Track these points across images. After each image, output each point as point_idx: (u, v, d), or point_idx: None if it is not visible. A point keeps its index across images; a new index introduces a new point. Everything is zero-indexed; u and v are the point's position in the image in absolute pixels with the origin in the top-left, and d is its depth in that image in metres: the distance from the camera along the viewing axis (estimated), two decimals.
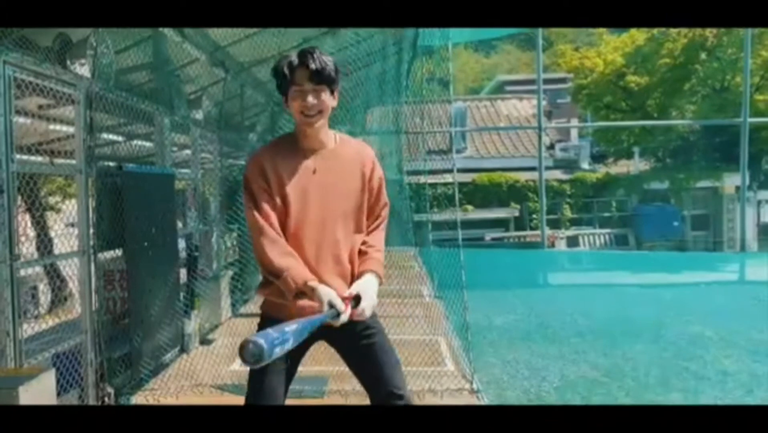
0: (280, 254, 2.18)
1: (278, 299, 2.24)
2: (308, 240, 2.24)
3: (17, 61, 3.39)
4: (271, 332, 1.85)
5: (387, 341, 2.35)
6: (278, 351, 1.83)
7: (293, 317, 2.06)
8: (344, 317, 2.10)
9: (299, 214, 2.24)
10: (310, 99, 2.20)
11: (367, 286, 2.23)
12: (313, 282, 2.15)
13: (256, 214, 2.23)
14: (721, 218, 18.70)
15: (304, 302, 2.15)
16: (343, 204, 2.29)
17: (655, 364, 6.59)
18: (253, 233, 2.27)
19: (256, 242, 2.24)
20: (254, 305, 7.93)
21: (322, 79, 2.21)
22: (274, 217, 2.23)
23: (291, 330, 1.90)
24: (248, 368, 2.19)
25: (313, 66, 2.19)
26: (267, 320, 2.28)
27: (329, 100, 2.26)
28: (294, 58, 2.22)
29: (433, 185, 11.71)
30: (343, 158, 2.32)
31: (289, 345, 1.89)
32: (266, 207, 2.22)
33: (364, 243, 2.34)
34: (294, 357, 2.24)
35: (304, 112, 2.23)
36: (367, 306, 2.18)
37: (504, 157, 20.22)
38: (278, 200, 2.23)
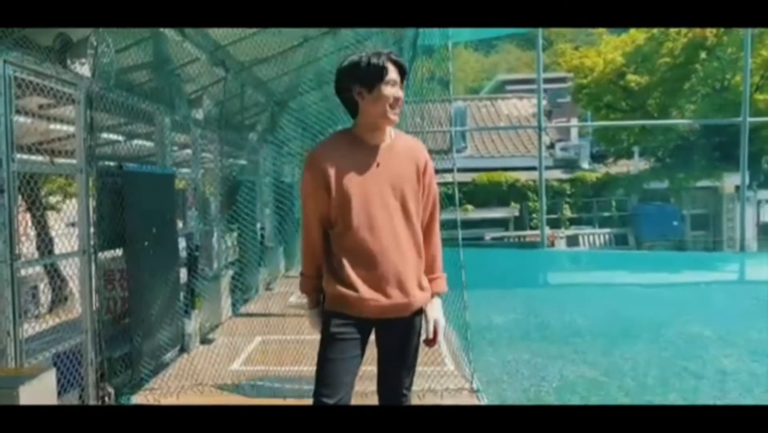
0: (310, 259, 2.44)
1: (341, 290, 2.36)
2: (375, 230, 2.33)
3: (18, 60, 3.39)
4: None
5: (419, 342, 2.48)
6: None
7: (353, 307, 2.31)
8: None
9: (364, 207, 2.32)
10: (401, 93, 2.35)
11: (436, 309, 2.45)
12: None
13: (306, 215, 2.41)
14: (720, 217, 18.70)
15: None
16: (404, 193, 2.37)
17: (654, 364, 6.59)
18: (302, 230, 2.45)
19: (302, 240, 2.46)
20: (254, 305, 7.93)
21: (405, 74, 2.38)
22: (321, 220, 2.38)
23: None
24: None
25: (399, 62, 2.36)
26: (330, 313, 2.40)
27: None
28: (381, 54, 2.33)
29: None
30: (400, 151, 2.41)
31: None
32: (317, 209, 2.37)
33: (428, 248, 2.49)
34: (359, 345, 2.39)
35: (392, 106, 2.33)
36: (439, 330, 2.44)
37: (504, 156, 20.22)
38: (340, 197, 2.32)
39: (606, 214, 19.29)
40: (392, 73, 2.33)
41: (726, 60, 18.23)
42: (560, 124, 21.48)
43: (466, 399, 4.49)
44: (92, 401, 4.11)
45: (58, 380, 3.48)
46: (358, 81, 2.33)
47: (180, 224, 6.05)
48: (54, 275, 6.76)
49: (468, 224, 15.30)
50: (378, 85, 2.31)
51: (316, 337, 2.45)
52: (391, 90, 2.32)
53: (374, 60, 2.31)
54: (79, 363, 4.06)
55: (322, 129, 6.28)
